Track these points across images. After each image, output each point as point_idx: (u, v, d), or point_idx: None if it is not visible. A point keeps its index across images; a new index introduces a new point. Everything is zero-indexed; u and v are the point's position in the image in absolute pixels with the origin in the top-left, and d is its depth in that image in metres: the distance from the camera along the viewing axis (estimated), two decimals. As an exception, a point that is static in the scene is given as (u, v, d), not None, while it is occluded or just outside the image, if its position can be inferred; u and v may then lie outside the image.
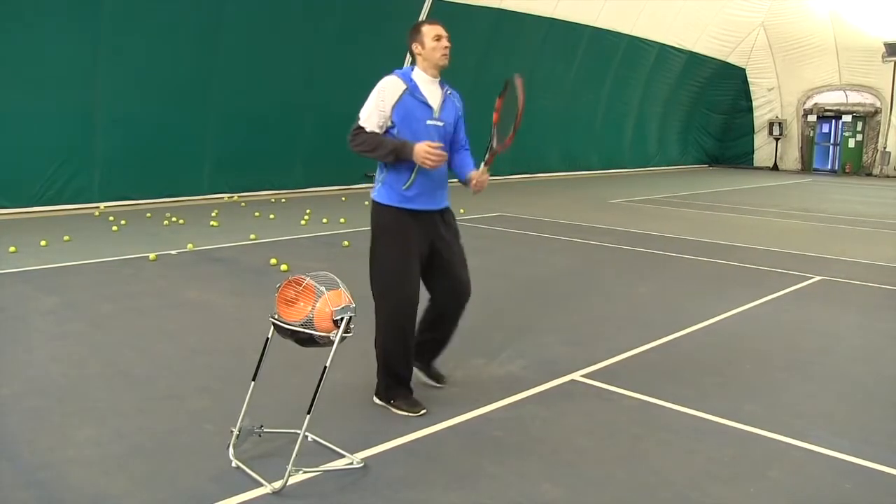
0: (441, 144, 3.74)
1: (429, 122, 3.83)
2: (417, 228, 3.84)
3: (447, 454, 3.46)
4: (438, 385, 4.21)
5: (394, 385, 3.93)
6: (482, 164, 3.97)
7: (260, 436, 3.45)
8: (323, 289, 3.19)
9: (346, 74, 13.97)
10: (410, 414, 3.83)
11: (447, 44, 3.82)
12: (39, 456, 3.34)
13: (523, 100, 3.79)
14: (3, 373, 4.36)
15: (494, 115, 3.96)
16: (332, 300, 3.16)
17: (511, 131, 3.86)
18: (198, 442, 3.51)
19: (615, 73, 21.38)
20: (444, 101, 3.90)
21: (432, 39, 3.82)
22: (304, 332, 3.16)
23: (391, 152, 3.71)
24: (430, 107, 3.84)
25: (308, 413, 3.18)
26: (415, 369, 4.09)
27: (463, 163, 4.07)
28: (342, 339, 3.16)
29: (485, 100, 18.28)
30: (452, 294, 4.01)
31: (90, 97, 11.12)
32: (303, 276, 3.26)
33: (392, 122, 3.78)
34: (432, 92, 3.87)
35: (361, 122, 3.79)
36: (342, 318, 3.14)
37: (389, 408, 3.91)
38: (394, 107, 3.76)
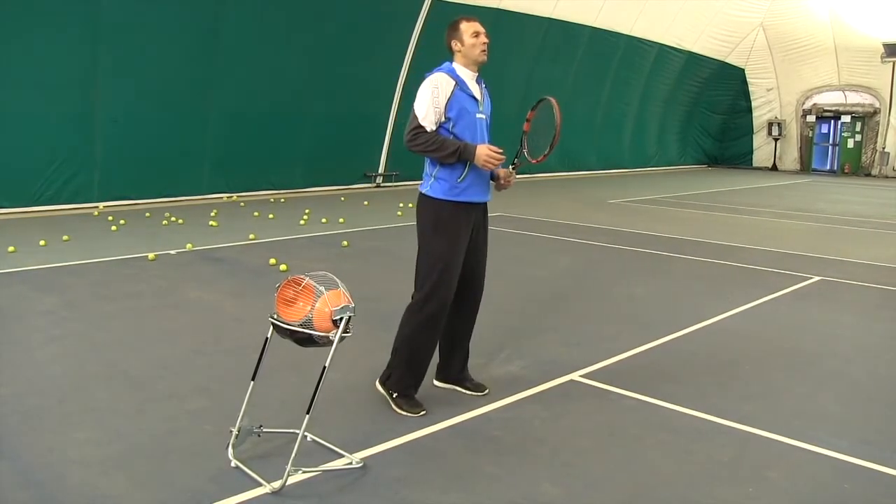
0: (502, 149, 3.84)
1: (477, 115, 3.94)
2: (467, 221, 3.92)
3: (446, 454, 3.46)
4: (481, 393, 4.19)
5: (411, 382, 3.94)
6: (510, 165, 4.10)
7: (259, 436, 3.45)
8: (322, 289, 3.19)
9: (346, 75, 13.98)
10: (410, 414, 3.83)
11: (485, 40, 3.87)
12: (38, 456, 3.33)
13: (560, 121, 4.01)
14: (2, 373, 4.36)
15: (526, 125, 4.18)
16: (332, 300, 3.16)
17: (548, 149, 4.07)
18: (197, 442, 3.51)
19: (614, 73, 21.38)
20: (483, 96, 4.00)
21: (471, 36, 3.86)
22: (303, 332, 3.16)
23: (454, 153, 3.78)
24: (476, 100, 3.93)
25: (307, 413, 3.18)
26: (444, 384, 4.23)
27: None
28: (341, 339, 3.16)
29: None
30: (468, 283, 4.01)
31: (90, 97, 11.11)
32: (302, 276, 3.26)
33: (447, 118, 3.84)
34: (474, 86, 3.94)
35: (421, 122, 3.82)
36: (341, 318, 3.14)
37: (390, 401, 3.91)
38: (448, 102, 3.82)
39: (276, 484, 3.06)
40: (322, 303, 3.15)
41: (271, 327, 3.29)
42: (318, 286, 3.20)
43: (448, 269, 3.88)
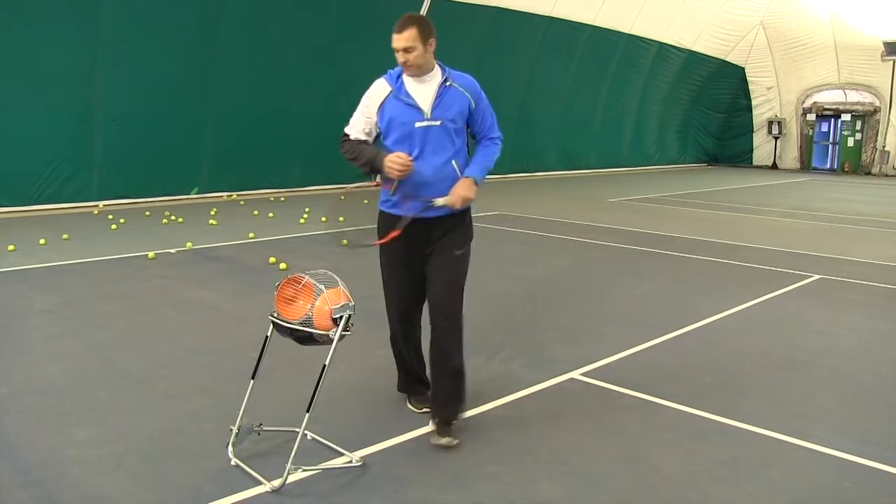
0: (407, 156, 3.49)
1: (418, 124, 3.54)
2: (405, 237, 3.58)
3: (446, 453, 3.45)
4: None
5: (400, 382, 3.99)
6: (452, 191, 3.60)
7: (259, 434, 3.44)
8: (322, 287, 3.19)
9: (345, 74, 13.95)
10: (415, 409, 3.89)
11: (404, 58, 3.46)
12: (38, 455, 3.33)
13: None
14: (1, 372, 4.36)
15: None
16: (332, 298, 3.16)
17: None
18: (197, 441, 3.51)
19: (614, 71, 21.37)
20: (438, 98, 3.57)
21: (395, 50, 3.52)
22: (303, 331, 3.16)
23: (367, 163, 3.59)
24: (418, 108, 3.55)
25: (307, 411, 3.17)
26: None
27: (472, 160, 3.73)
28: (341, 337, 3.16)
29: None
30: (431, 306, 3.69)
31: (89, 96, 11.12)
32: (302, 275, 3.26)
33: (379, 128, 3.64)
34: (422, 91, 3.57)
35: (347, 129, 3.69)
36: (341, 317, 3.14)
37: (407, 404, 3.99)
38: (378, 111, 3.60)
39: (276, 482, 3.06)
40: (322, 301, 3.15)
41: (271, 326, 3.28)
42: (318, 284, 3.20)
43: (388, 289, 3.79)
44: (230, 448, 3.33)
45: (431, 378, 3.76)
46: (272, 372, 4.14)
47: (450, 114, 3.58)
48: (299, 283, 3.24)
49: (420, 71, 3.53)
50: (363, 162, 3.61)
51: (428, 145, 3.57)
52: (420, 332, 3.90)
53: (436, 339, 3.65)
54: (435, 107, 3.56)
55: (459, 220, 3.69)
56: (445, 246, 3.66)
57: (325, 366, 3.19)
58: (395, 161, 3.47)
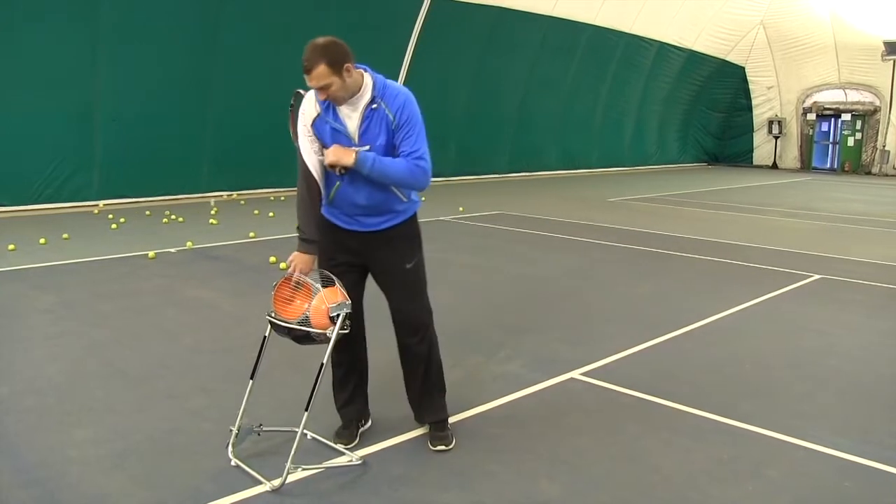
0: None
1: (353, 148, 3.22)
2: (339, 245, 3.40)
3: (446, 452, 3.45)
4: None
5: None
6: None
7: (259, 434, 3.44)
8: (319, 286, 3.19)
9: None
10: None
11: (323, 95, 3.13)
12: (38, 455, 3.33)
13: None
14: (1, 371, 4.36)
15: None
16: (328, 297, 3.16)
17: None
18: (196, 441, 3.51)
19: (614, 71, 21.37)
20: (364, 122, 3.21)
21: None
22: (300, 330, 3.16)
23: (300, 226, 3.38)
24: (346, 135, 3.23)
25: (306, 410, 3.17)
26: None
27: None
28: (339, 336, 3.16)
29: (483, 97, 18.33)
30: (395, 324, 3.49)
31: (89, 95, 11.12)
32: (299, 274, 3.26)
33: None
34: (349, 113, 3.22)
35: (298, 148, 3.40)
36: (338, 315, 3.14)
37: None
38: (312, 129, 3.30)
39: (276, 482, 3.06)
40: (319, 300, 3.15)
41: (269, 326, 3.28)
42: (315, 284, 3.20)
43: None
44: (230, 448, 3.33)
45: (407, 391, 3.62)
46: (271, 372, 4.14)
47: (379, 139, 3.22)
48: (297, 283, 3.24)
49: (346, 98, 3.17)
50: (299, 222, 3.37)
51: (358, 172, 3.20)
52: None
53: (404, 356, 3.52)
54: (362, 133, 3.22)
55: (396, 231, 3.36)
56: (392, 262, 3.38)
57: (322, 364, 3.19)
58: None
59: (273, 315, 3.25)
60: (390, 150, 3.24)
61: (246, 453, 3.36)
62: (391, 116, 3.20)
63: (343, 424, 3.58)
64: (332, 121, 3.24)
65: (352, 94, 3.18)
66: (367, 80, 3.22)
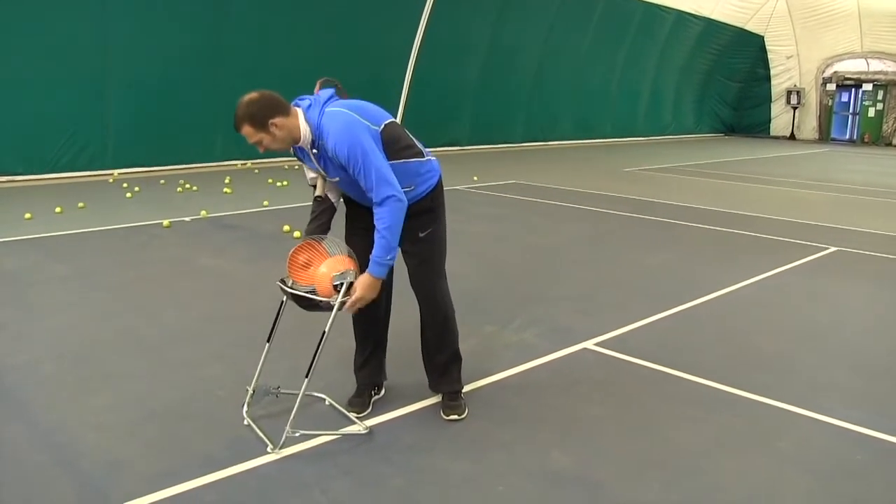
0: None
1: (330, 180, 3.33)
2: (355, 213, 3.47)
3: (458, 422, 3.47)
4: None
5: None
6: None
7: (277, 397, 3.48)
8: (334, 251, 3.18)
9: (359, 41, 13.87)
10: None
11: (261, 149, 3.17)
12: (56, 421, 3.38)
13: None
14: (19, 339, 4.41)
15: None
16: (335, 265, 3.15)
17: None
18: (211, 408, 3.54)
19: (631, 40, 21.11)
20: (320, 162, 3.23)
21: None
22: (305, 298, 3.17)
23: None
24: (316, 168, 3.29)
25: (306, 377, 3.20)
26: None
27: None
28: (341, 304, 3.14)
29: (498, 66, 18.10)
30: (413, 291, 3.53)
31: (102, 64, 11.10)
32: (315, 239, 3.25)
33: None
34: (310, 154, 3.24)
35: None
36: (342, 284, 3.13)
37: None
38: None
39: (276, 447, 3.09)
40: (327, 267, 3.15)
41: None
42: (329, 249, 3.19)
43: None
44: (245, 407, 3.37)
45: (423, 359, 3.65)
46: (287, 337, 4.16)
47: (341, 173, 3.19)
48: (312, 248, 3.22)
49: (289, 146, 3.18)
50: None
51: (349, 191, 3.34)
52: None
53: (422, 331, 3.58)
54: (325, 170, 3.26)
55: (410, 209, 3.25)
56: (405, 229, 3.24)
57: (324, 332, 3.20)
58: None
59: (289, 282, 3.25)
60: (349, 179, 3.18)
61: (260, 413, 3.40)
62: (334, 157, 3.13)
63: (356, 392, 3.60)
64: (301, 158, 3.31)
65: (294, 140, 3.15)
66: (304, 126, 3.14)
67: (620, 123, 22.35)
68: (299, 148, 3.24)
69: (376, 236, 3.12)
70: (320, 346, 3.21)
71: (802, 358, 4.49)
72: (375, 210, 3.12)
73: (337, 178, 3.24)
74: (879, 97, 24.24)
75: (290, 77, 13.39)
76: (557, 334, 4.71)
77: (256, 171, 12.53)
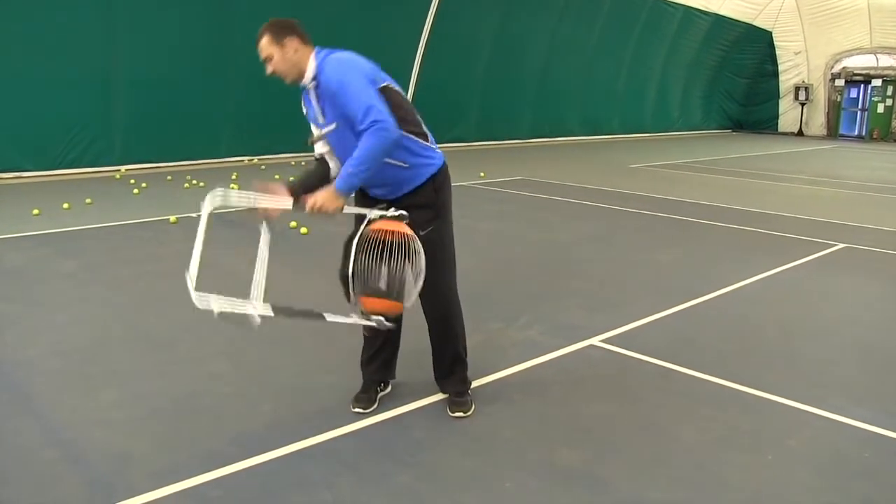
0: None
1: (323, 130, 3.31)
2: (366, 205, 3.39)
3: (464, 418, 3.46)
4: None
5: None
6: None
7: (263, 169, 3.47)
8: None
9: (365, 39, 13.84)
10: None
11: (269, 70, 3.27)
12: (64, 416, 3.39)
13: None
14: (27, 335, 4.42)
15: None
16: (377, 304, 3.09)
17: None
18: (217, 404, 3.55)
19: (638, 36, 21.05)
20: (321, 102, 3.24)
21: None
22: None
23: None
24: (314, 117, 3.32)
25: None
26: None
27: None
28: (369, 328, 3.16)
29: (505, 62, 18.09)
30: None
31: (109, 61, 11.12)
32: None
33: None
34: (313, 97, 3.27)
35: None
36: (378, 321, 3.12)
37: None
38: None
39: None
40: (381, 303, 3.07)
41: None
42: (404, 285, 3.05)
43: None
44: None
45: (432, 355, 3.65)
46: (295, 336, 4.15)
47: (338, 112, 3.15)
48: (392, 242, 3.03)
49: (294, 77, 3.24)
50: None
51: (338, 150, 3.31)
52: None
53: (429, 331, 3.56)
54: (325, 113, 3.23)
55: (410, 199, 3.26)
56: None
57: (323, 315, 3.24)
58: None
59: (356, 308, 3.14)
60: (346, 124, 3.15)
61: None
62: (327, 89, 3.14)
63: (362, 388, 3.59)
64: (305, 105, 3.34)
65: (300, 73, 3.22)
66: (312, 61, 3.22)
67: (628, 120, 22.28)
68: (305, 94, 3.29)
69: (354, 155, 3.05)
70: (312, 314, 3.30)
71: (811, 355, 4.47)
72: (360, 139, 3.03)
73: (334, 125, 3.18)
74: (888, 93, 24.09)
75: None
76: (564, 331, 4.70)
77: (263, 167, 12.54)
